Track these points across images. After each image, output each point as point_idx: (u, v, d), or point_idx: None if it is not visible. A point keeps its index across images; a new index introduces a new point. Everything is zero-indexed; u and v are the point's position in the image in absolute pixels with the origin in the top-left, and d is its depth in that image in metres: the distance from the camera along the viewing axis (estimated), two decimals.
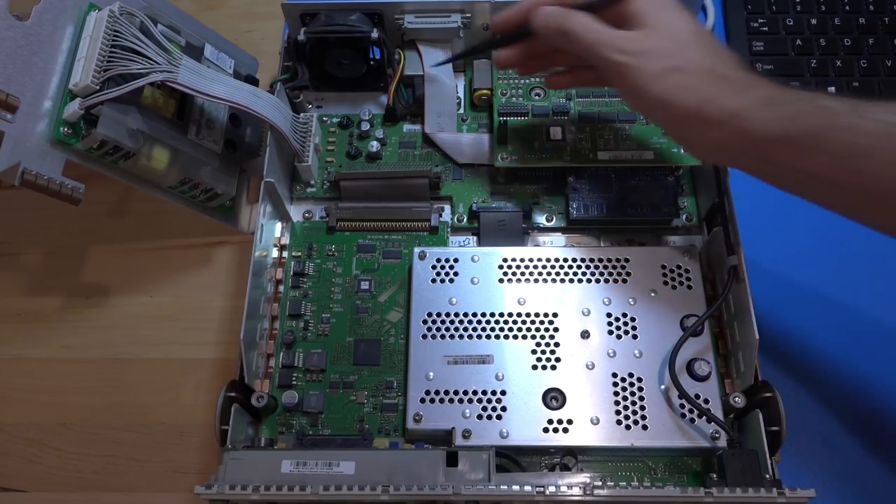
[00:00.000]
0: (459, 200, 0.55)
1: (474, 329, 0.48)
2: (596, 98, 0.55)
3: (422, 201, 0.55)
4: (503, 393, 0.46)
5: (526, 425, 0.45)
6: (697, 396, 0.45)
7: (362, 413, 0.48)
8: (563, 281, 0.50)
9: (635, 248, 0.52)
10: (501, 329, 0.48)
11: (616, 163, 0.53)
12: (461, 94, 0.59)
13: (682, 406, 0.45)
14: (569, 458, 0.46)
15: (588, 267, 0.50)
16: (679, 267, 0.50)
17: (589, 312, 0.48)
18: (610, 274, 0.50)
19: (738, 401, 0.45)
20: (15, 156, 0.43)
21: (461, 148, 0.57)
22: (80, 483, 0.51)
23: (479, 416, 0.45)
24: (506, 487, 0.39)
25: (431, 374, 0.47)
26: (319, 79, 0.59)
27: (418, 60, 0.57)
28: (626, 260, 0.50)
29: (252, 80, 0.57)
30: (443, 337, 0.48)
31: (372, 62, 0.57)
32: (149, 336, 0.55)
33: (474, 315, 0.49)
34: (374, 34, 0.54)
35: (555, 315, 0.48)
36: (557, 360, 0.47)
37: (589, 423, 0.45)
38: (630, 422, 0.45)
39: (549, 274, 0.50)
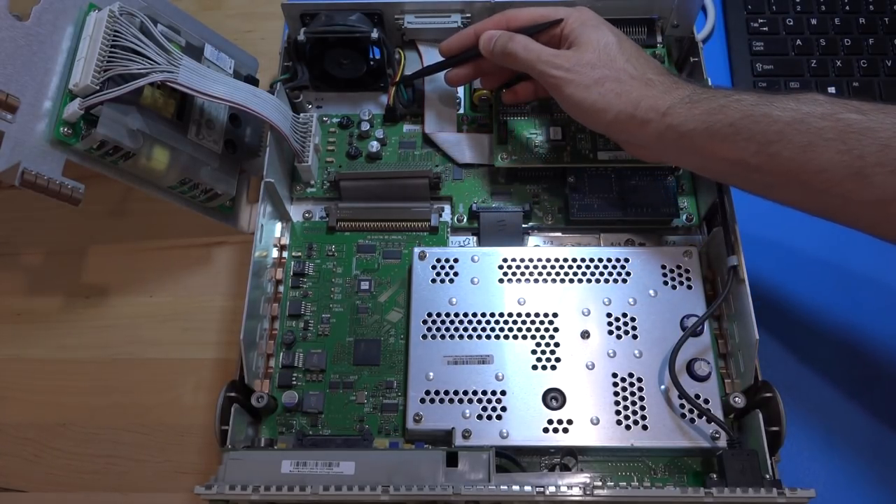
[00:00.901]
0: (459, 200, 0.55)
1: (474, 329, 0.48)
2: None
3: (422, 201, 0.55)
4: (503, 393, 0.46)
5: (526, 425, 0.45)
6: (697, 396, 0.45)
7: (362, 413, 0.48)
8: (563, 281, 0.50)
9: (635, 249, 0.52)
10: (501, 329, 0.48)
11: (616, 163, 0.53)
12: (461, 95, 0.59)
13: (682, 406, 0.45)
14: (569, 458, 0.46)
15: (588, 267, 0.50)
16: (679, 267, 0.50)
17: (589, 312, 0.48)
18: (610, 274, 0.50)
19: (738, 401, 0.45)
20: (15, 156, 0.43)
21: (461, 148, 0.57)
22: (80, 483, 0.51)
23: (479, 417, 0.45)
24: (506, 488, 0.39)
25: (431, 374, 0.47)
26: (319, 79, 0.59)
27: (418, 60, 0.58)
28: (626, 260, 0.50)
29: (252, 81, 0.57)
30: (443, 337, 0.48)
31: (372, 62, 0.57)
32: (149, 336, 0.55)
33: (474, 315, 0.49)
34: (374, 34, 0.54)
35: (555, 315, 0.48)
36: (557, 360, 0.47)
37: (589, 423, 0.45)
38: (630, 422, 0.45)
39: (549, 274, 0.50)
